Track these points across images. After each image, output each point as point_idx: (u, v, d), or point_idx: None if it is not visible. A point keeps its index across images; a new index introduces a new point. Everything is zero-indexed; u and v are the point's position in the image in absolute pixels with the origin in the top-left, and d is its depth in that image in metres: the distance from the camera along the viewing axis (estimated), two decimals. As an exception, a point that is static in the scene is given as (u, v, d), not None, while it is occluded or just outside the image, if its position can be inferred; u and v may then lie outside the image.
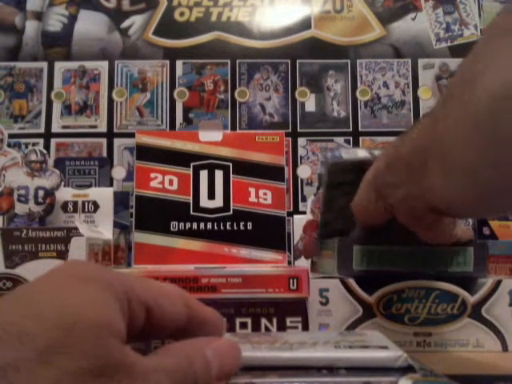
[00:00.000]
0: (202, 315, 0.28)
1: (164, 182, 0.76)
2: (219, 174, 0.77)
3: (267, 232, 0.76)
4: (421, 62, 0.90)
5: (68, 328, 0.21)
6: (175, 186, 0.76)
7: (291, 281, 0.55)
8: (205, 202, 0.77)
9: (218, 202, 0.77)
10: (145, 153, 0.77)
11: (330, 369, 0.26)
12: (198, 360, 0.24)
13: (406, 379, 0.25)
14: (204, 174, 0.77)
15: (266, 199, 0.76)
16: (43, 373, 0.20)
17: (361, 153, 0.63)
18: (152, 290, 0.26)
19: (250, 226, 0.76)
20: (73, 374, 0.20)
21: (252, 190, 0.76)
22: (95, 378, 0.21)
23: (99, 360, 0.21)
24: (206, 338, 0.27)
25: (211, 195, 0.77)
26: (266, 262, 0.74)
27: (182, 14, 0.90)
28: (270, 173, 0.77)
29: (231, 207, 0.76)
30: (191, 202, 0.76)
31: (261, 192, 0.76)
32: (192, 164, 0.77)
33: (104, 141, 0.87)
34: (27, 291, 0.23)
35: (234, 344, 0.26)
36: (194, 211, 0.76)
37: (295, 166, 0.87)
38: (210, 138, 0.78)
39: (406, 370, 0.26)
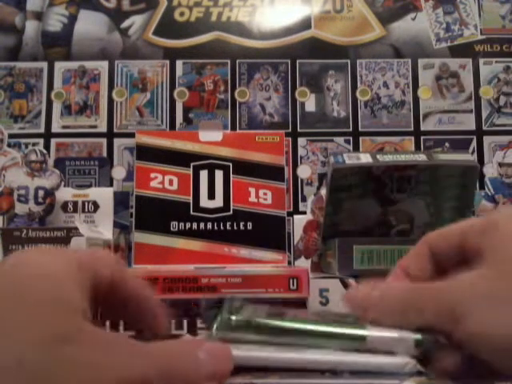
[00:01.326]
0: (133, 280, 0.29)
1: (164, 182, 0.76)
2: (219, 174, 0.77)
3: (267, 232, 0.76)
4: (421, 61, 0.90)
5: (28, 303, 0.23)
6: (175, 186, 0.76)
7: (291, 281, 0.55)
8: (205, 202, 0.77)
9: (218, 202, 0.77)
10: (145, 153, 0.77)
11: (334, 371, 0.26)
12: (188, 353, 0.24)
13: (410, 382, 0.25)
14: (204, 174, 0.77)
15: (265, 199, 0.76)
16: (8, 345, 0.21)
17: (364, 158, 0.63)
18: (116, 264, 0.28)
19: (249, 225, 0.76)
20: (37, 343, 0.22)
21: (252, 190, 0.76)
22: (58, 345, 0.22)
23: (60, 329, 0.22)
24: (197, 340, 0.27)
25: (211, 195, 0.77)
26: (265, 262, 0.74)
27: (181, 13, 0.90)
28: (270, 173, 0.77)
29: (231, 207, 0.76)
30: (191, 201, 0.76)
31: (261, 192, 0.76)
32: (192, 164, 0.77)
33: (104, 141, 0.87)
34: None
35: (225, 346, 0.26)
36: (193, 211, 0.76)
37: (295, 166, 0.87)
38: (209, 137, 0.78)
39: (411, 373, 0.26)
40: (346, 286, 0.58)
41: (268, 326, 0.27)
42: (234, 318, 0.27)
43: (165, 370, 0.23)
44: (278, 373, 0.26)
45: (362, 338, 0.27)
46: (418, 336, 0.27)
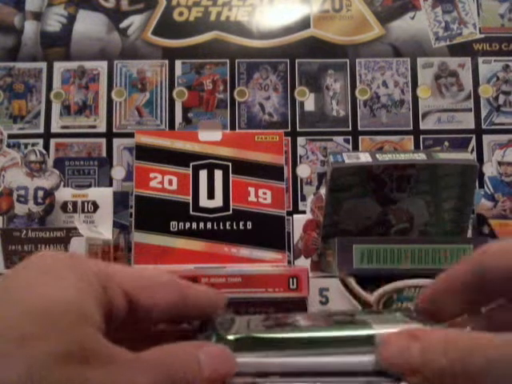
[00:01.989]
0: (199, 297, 0.28)
1: (163, 182, 0.76)
2: (219, 174, 0.77)
3: (267, 231, 0.76)
4: (420, 60, 0.90)
5: (41, 315, 0.21)
6: (175, 186, 0.76)
7: (291, 280, 0.55)
8: (204, 201, 0.77)
9: (218, 201, 0.77)
10: (144, 153, 0.77)
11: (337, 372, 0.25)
12: (188, 358, 0.24)
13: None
14: (203, 174, 0.77)
15: (265, 199, 0.76)
16: (17, 357, 0.20)
17: (363, 157, 0.63)
18: (135, 278, 0.26)
19: (249, 225, 0.76)
20: (46, 358, 0.20)
21: (251, 190, 0.76)
22: (68, 363, 0.21)
23: (73, 345, 0.21)
24: (198, 342, 0.26)
25: (211, 195, 0.77)
26: (265, 262, 0.74)
27: (180, 13, 0.90)
28: (270, 172, 0.77)
29: (231, 207, 0.76)
30: (191, 201, 0.76)
31: (260, 191, 0.76)
32: (191, 164, 0.77)
33: (103, 141, 0.87)
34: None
35: (226, 348, 0.25)
36: (193, 211, 0.76)
37: (295, 166, 0.87)
38: (209, 137, 0.78)
39: None
40: (345, 285, 0.58)
41: (269, 340, 0.26)
42: (231, 337, 0.26)
43: (168, 379, 0.23)
44: (280, 375, 0.25)
45: (371, 338, 0.26)
46: (428, 327, 0.26)
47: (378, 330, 0.25)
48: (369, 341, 0.25)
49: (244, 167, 0.77)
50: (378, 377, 0.25)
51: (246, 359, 0.25)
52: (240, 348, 0.25)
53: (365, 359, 0.25)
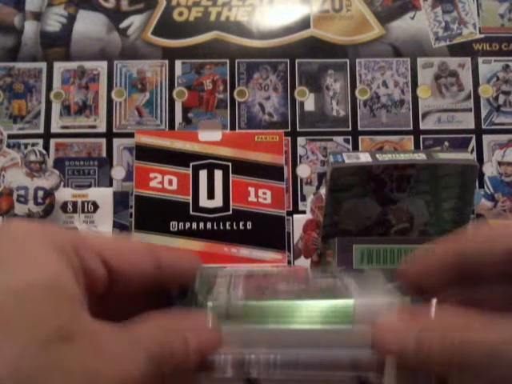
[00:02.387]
0: (173, 261, 0.27)
1: (163, 182, 0.76)
2: (218, 174, 0.77)
3: (267, 231, 0.76)
4: (420, 60, 0.90)
5: (19, 296, 0.20)
6: (175, 186, 0.76)
7: (291, 280, 0.55)
8: (204, 201, 0.77)
9: (218, 201, 0.77)
10: (144, 153, 0.77)
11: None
12: (175, 335, 0.23)
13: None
14: (203, 174, 0.77)
15: (265, 199, 0.76)
16: (4, 348, 0.20)
17: (363, 157, 0.63)
18: (108, 242, 0.25)
19: (249, 225, 0.76)
20: (32, 344, 0.20)
21: (251, 190, 0.76)
22: (55, 345, 0.20)
23: (57, 327, 0.20)
24: (182, 314, 0.25)
25: (211, 195, 0.77)
26: (265, 262, 0.74)
27: (180, 13, 0.90)
28: (270, 172, 0.77)
29: (231, 207, 0.76)
30: (191, 201, 0.76)
31: (260, 191, 0.76)
32: (191, 164, 0.77)
33: (103, 141, 0.87)
34: None
35: (213, 323, 0.24)
36: (193, 211, 0.76)
37: (295, 166, 0.87)
38: (209, 137, 0.78)
39: None
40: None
41: (247, 309, 0.25)
42: (210, 303, 0.25)
43: (156, 357, 0.22)
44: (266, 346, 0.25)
45: (349, 307, 0.26)
46: (407, 299, 0.26)
47: (357, 299, 0.25)
48: (349, 311, 0.25)
49: (244, 167, 0.77)
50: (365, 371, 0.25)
51: (231, 329, 0.25)
52: (221, 316, 0.25)
53: (352, 352, 0.25)
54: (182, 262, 0.27)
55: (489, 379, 0.22)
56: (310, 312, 0.26)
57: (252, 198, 0.76)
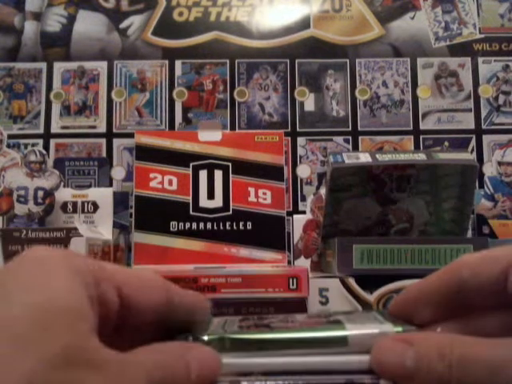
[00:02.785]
0: (184, 300, 0.28)
1: (163, 182, 0.76)
2: (218, 174, 0.77)
3: (267, 232, 0.76)
4: (420, 61, 0.90)
5: (36, 316, 0.21)
6: (175, 186, 0.76)
7: (291, 280, 0.55)
8: (204, 201, 0.77)
9: (218, 201, 0.76)
10: (144, 153, 0.77)
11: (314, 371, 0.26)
12: (177, 360, 0.24)
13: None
14: (203, 174, 0.77)
15: (265, 199, 0.76)
16: (18, 361, 0.20)
17: (363, 157, 0.63)
18: (125, 273, 0.25)
19: (249, 225, 0.76)
20: (44, 363, 0.20)
21: (251, 190, 0.76)
22: (67, 366, 0.20)
23: (70, 348, 0.21)
24: (186, 343, 0.26)
25: (211, 195, 0.77)
26: (265, 262, 0.74)
27: (180, 13, 0.90)
28: (270, 172, 0.77)
29: (231, 207, 0.76)
30: (191, 201, 0.76)
31: (260, 192, 0.76)
32: (191, 164, 0.77)
33: (103, 141, 0.87)
34: None
35: (213, 351, 0.25)
36: (193, 211, 0.76)
37: (295, 166, 0.87)
38: (209, 137, 0.78)
39: None
40: (345, 285, 0.58)
41: (242, 340, 0.26)
42: (205, 337, 0.26)
43: (157, 381, 0.23)
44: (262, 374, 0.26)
45: (344, 339, 0.26)
46: (399, 328, 0.26)
47: (350, 331, 0.26)
48: (343, 341, 0.25)
49: (244, 167, 0.77)
50: (359, 374, 0.25)
51: (230, 359, 0.25)
52: (216, 348, 0.26)
53: (345, 359, 0.25)
54: (192, 300, 0.28)
55: None
56: (305, 343, 0.26)
57: (252, 198, 0.76)
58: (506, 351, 0.22)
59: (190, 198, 0.76)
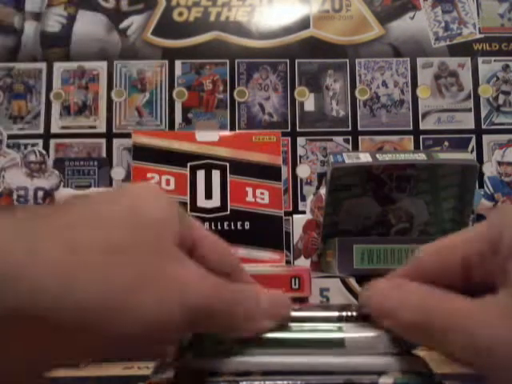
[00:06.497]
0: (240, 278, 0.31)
1: (161, 182, 0.76)
2: (216, 174, 0.77)
3: (264, 232, 0.75)
4: (419, 60, 0.89)
5: (129, 228, 0.24)
6: (172, 186, 0.76)
7: (293, 280, 0.55)
8: (202, 201, 0.76)
9: (215, 201, 0.76)
10: (141, 153, 0.77)
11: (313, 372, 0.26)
12: (248, 289, 0.28)
13: (388, 377, 0.25)
14: (201, 174, 0.77)
15: (263, 199, 0.76)
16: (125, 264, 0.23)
17: (363, 157, 0.63)
18: (204, 232, 0.30)
19: (247, 225, 0.76)
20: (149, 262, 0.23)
21: (249, 190, 0.76)
22: (166, 264, 0.24)
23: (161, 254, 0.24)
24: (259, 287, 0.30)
25: (208, 195, 0.77)
26: (263, 262, 0.74)
27: (180, 13, 0.90)
28: (267, 172, 0.77)
29: (228, 207, 0.76)
30: (188, 201, 0.76)
31: (258, 192, 0.76)
32: (189, 164, 0.77)
33: (103, 141, 0.87)
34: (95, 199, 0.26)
35: (286, 295, 0.29)
36: (191, 211, 0.76)
37: (294, 166, 0.87)
38: (206, 138, 0.78)
39: None
40: (346, 285, 0.58)
41: (241, 339, 0.27)
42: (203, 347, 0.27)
43: (232, 295, 0.26)
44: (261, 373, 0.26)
45: (341, 341, 0.26)
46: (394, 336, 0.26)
47: (347, 334, 0.26)
48: (340, 343, 0.26)
49: (241, 167, 0.77)
50: (358, 375, 0.25)
51: (229, 359, 0.25)
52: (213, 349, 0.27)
53: (343, 360, 0.25)
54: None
55: (446, 349, 0.24)
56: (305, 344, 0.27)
57: (250, 198, 0.76)
58: (470, 308, 0.23)
59: (188, 197, 0.76)
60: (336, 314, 0.27)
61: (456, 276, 0.26)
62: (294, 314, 0.28)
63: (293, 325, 0.28)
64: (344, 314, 0.27)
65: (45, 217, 0.23)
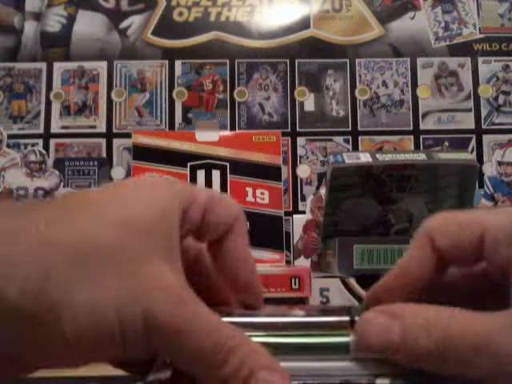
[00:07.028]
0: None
1: (161, 182, 0.76)
2: (216, 174, 0.77)
3: (264, 232, 0.75)
4: (419, 60, 0.89)
5: (118, 227, 0.23)
6: (173, 186, 0.76)
7: (293, 280, 0.55)
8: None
9: (216, 201, 0.76)
10: (141, 153, 0.77)
11: None
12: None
13: (384, 377, 0.25)
14: (201, 174, 0.77)
15: (263, 199, 0.76)
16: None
17: (363, 157, 0.63)
18: (214, 199, 0.27)
19: (247, 225, 0.76)
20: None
21: (249, 190, 0.76)
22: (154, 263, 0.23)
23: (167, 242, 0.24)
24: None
25: (208, 195, 0.77)
26: (263, 262, 0.74)
27: (180, 14, 0.90)
28: (267, 172, 0.77)
29: (229, 207, 0.76)
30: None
31: (258, 192, 0.76)
32: (189, 164, 0.77)
33: (103, 141, 0.87)
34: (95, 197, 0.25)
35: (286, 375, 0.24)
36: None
37: (294, 166, 0.87)
38: (206, 138, 0.78)
39: None
40: (346, 285, 0.58)
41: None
42: None
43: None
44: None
45: (345, 346, 0.26)
46: None
47: (352, 337, 0.25)
48: (344, 348, 0.25)
49: (241, 167, 0.77)
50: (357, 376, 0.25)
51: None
52: None
53: (343, 364, 0.25)
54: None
55: (475, 371, 0.22)
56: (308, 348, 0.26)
57: (250, 198, 0.76)
58: (490, 327, 0.22)
59: (189, 197, 0.76)
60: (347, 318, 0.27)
61: (468, 252, 0.24)
62: (301, 319, 0.27)
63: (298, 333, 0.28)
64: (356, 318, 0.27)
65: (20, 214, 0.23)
